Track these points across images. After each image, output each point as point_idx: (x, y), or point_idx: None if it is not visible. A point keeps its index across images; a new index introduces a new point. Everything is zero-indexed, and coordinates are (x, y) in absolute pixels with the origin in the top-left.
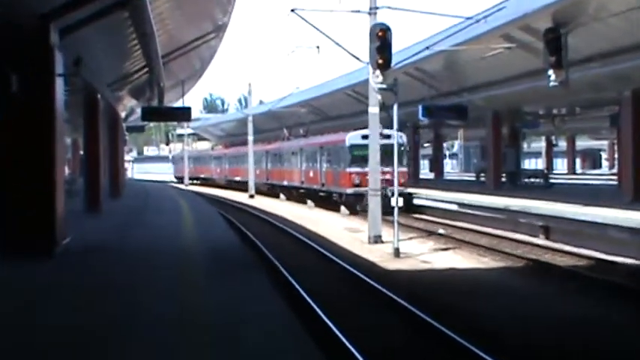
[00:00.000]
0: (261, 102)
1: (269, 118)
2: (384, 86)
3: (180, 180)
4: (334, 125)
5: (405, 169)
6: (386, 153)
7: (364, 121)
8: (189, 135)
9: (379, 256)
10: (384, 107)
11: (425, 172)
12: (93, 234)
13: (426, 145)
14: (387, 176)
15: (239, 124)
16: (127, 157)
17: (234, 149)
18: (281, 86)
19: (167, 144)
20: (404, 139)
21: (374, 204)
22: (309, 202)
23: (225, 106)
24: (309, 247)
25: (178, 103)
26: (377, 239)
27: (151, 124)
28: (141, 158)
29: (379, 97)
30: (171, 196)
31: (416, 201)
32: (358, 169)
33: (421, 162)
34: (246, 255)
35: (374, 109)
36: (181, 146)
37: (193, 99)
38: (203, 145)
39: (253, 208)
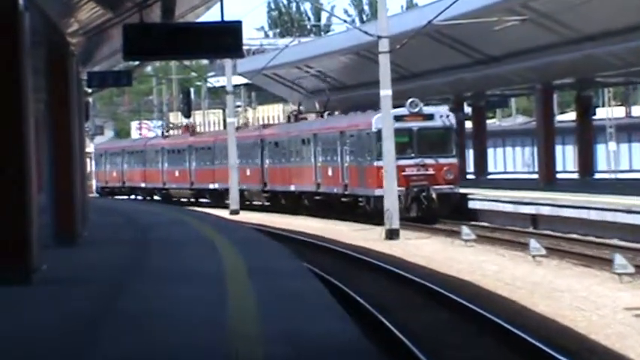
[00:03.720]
0: (410, 4)
1: (431, 44)
2: None
3: (109, 193)
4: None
5: (454, 161)
6: (425, 139)
7: None
8: (237, 89)
9: None
10: None
11: None
12: (19, 342)
13: None
14: (430, 171)
15: (358, 62)
16: (90, 148)
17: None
18: None
19: (187, 114)
20: (451, 120)
21: None
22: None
23: (323, 21)
24: None
25: (210, 16)
26: None
27: (149, 68)
28: (121, 148)
29: None
30: (201, 239)
31: None
32: None
33: None
34: None
35: None
36: (218, 118)
37: (245, 6)
38: (271, 113)
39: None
